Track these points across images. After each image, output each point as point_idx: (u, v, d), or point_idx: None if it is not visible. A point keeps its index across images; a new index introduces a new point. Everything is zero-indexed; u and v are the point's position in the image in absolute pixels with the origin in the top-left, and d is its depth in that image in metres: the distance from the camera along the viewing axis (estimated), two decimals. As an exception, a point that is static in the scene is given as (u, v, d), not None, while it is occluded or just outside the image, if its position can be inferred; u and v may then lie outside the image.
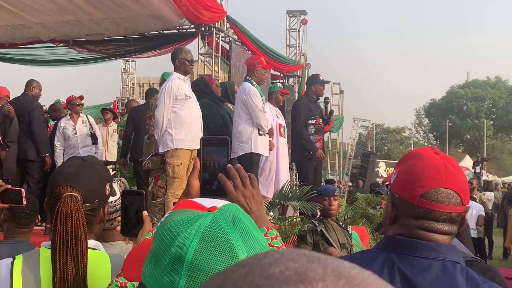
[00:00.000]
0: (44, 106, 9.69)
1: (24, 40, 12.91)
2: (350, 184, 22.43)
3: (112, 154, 9.09)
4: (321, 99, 8.66)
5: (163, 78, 6.86)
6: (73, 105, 8.12)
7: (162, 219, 0.98)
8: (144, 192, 2.01)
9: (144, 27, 12.17)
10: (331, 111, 8.94)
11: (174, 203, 1.59)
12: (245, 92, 6.43)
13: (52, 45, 13.40)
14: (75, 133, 7.95)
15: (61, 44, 13.34)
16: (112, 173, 8.55)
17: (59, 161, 7.67)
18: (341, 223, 4.33)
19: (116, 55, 13.90)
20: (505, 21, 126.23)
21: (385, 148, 63.63)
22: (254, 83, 6.58)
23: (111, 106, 16.88)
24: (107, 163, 8.63)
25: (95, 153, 8.01)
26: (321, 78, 8.15)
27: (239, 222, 0.94)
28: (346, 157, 28.41)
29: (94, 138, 8.09)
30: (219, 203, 0.99)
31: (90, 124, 8.21)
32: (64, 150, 7.90)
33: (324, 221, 4.14)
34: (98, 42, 12.92)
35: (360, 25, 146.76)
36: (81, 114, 8.21)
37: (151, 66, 19.53)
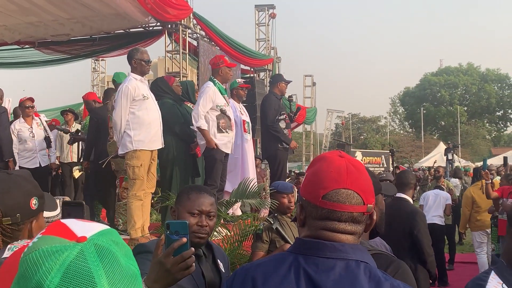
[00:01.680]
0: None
1: (-13, 43, 12.71)
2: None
3: (76, 155, 8.92)
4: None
5: (114, 80, 6.84)
6: (23, 108, 7.83)
7: (30, 244, 0.93)
8: (83, 203, 2.04)
9: (109, 26, 12.07)
10: (298, 108, 9.07)
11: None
12: (200, 90, 6.51)
13: (17, 47, 13.24)
14: (33, 136, 7.75)
15: (27, 46, 13.18)
16: (78, 174, 8.49)
17: (15, 165, 7.41)
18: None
19: (83, 55, 13.78)
20: (476, 8, 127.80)
21: (362, 137, 64.08)
22: (217, 82, 6.62)
23: (82, 108, 16.73)
24: (73, 164, 8.56)
25: (49, 156, 7.85)
26: (284, 77, 8.49)
27: (107, 255, 0.90)
28: (321, 149, 28.62)
29: (47, 141, 7.86)
30: (92, 229, 0.95)
31: (43, 126, 8.00)
32: (17, 153, 7.63)
33: (279, 218, 4.17)
34: (64, 43, 12.80)
35: (330, 16, 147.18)
36: (34, 117, 7.97)
37: (121, 64, 19.36)
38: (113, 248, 0.93)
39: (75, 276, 0.86)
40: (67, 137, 8.35)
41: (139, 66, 5.48)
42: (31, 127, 7.75)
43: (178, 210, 2.41)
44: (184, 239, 1.77)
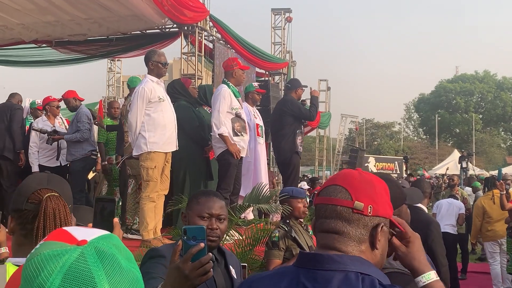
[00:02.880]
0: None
1: (6, 41, 12.81)
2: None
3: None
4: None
5: (128, 84, 6.85)
6: (52, 107, 7.88)
7: (32, 250, 0.95)
8: (116, 199, 2.05)
9: (126, 27, 12.12)
10: None
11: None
12: (215, 93, 6.47)
13: (34, 46, 13.33)
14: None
15: (44, 45, 13.27)
16: (92, 174, 8.53)
17: (35, 162, 7.53)
18: (303, 225, 4.33)
19: (99, 55, 13.84)
20: (493, 16, 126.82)
21: (375, 143, 63.81)
22: (231, 85, 6.59)
23: (97, 107, 16.84)
24: None
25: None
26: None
27: (108, 257, 0.91)
28: (334, 153, 28.55)
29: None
30: (93, 234, 0.96)
31: (65, 126, 8.01)
32: (38, 151, 7.63)
33: (291, 224, 4.14)
34: (81, 43, 12.86)
35: (346, 21, 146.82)
36: (56, 115, 7.99)
37: (137, 64, 19.45)
38: (114, 251, 0.94)
39: (76, 277, 0.87)
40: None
41: (156, 68, 5.49)
42: (53, 126, 7.73)
43: (189, 215, 2.43)
44: (202, 244, 1.77)
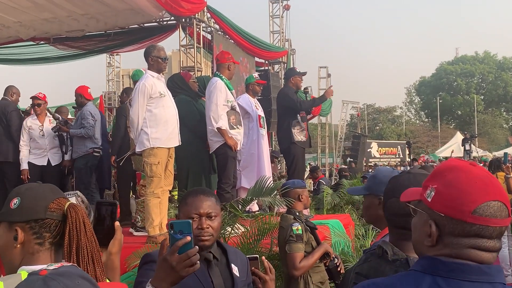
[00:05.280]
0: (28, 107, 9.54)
1: (3, 39, 12.80)
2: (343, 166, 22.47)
3: None
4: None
5: (132, 78, 6.80)
6: (33, 105, 7.58)
7: None
8: (117, 202, 2.04)
9: (123, 21, 12.09)
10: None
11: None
12: (210, 86, 6.40)
13: (32, 43, 13.31)
14: (43, 134, 7.50)
15: (42, 42, 13.24)
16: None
17: (24, 161, 7.38)
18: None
19: (98, 50, 13.81)
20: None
21: (377, 128, 63.77)
22: (224, 77, 6.51)
23: (98, 102, 16.82)
24: None
25: (64, 153, 7.59)
26: (297, 70, 8.28)
27: None
28: (337, 140, 28.53)
29: (61, 138, 7.59)
30: None
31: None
32: (29, 150, 7.47)
33: (302, 216, 4.14)
34: (79, 39, 12.84)
35: (344, 7, 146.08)
36: (47, 114, 7.70)
37: (136, 57, 19.39)
38: None
39: None
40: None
41: (156, 63, 5.46)
42: (42, 125, 7.52)
43: (180, 217, 2.41)
44: (188, 238, 1.84)
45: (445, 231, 1.34)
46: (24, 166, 7.38)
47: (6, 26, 11.91)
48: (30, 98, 7.65)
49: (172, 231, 1.86)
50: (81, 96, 7.48)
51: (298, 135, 7.88)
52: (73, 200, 2.36)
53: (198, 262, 1.85)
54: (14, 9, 10.70)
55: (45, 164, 7.48)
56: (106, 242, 1.82)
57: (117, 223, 1.85)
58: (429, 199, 1.38)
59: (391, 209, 2.03)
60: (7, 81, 7.49)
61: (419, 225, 1.43)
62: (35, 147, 7.48)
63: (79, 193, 2.56)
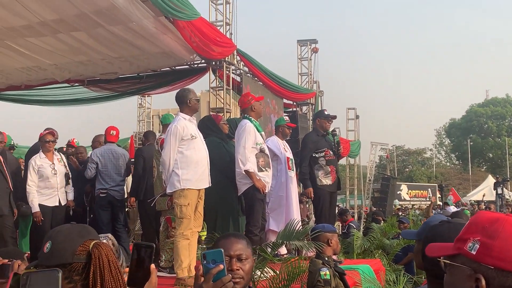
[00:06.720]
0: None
1: (39, 81, 13.16)
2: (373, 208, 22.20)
3: None
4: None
5: (161, 121, 6.94)
6: (43, 143, 7.29)
7: None
8: (154, 245, 2.04)
9: (156, 64, 12.35)
10: (338, 142, 8.79)
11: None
12: (239, 129, 6.47)
13: (67, 85, 13.65)
14: (55, 173, 7.22)
15: (76, 84, 13.58)
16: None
17: (35, 201, 7.03)
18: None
19: (130, 92, 14.09)
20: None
21: (407, 170, 62.96)
22: (253, 119, 6.60)
23: (129, 142, 17.07)
24: None
25: (67, 193, 7.42)
26: (326, 112, 8.37)
27: None
28: (365, 181, 28.25)
29: (67, 177, 7.42)
30: None
31: (64, 162, 7.55)
32: (37, 190, 7.11)
33: (330, 261, 4.09)
34: (112, 81, 13.13)
35: (372, 49, 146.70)
36: (55, 152, 7.49)
37: (167, 99, 19.74)
38: None
39: None
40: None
41: (194, 105, 5.62)
42: (53, 163, 7.26)
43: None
44: (221, 266, 1.89)
45: (494, 284, 1.30)
46: (36, 208, 7.03)
47: (42, 68, 12.26)
48: (40, 135, 7.43)
49: (205, 261, 1.91)
50: (103, 136, 7.88)
51: (323, 179, 7.89)
52: (104, 241, 2.39)
53: None
54: (50, 52, 11.04)
55: (57, 204, 7.25)
56: (141, 284, 1.81)
57: (152, 266, 1.84)
58: (474, 252, 1.34)
59: (430, 258, 1.99)
60: (44, 123, 7.59)
61: (459, 281, 1.38)
62: (46, 186, 7.18)
63: (110, 235, 2.58)
